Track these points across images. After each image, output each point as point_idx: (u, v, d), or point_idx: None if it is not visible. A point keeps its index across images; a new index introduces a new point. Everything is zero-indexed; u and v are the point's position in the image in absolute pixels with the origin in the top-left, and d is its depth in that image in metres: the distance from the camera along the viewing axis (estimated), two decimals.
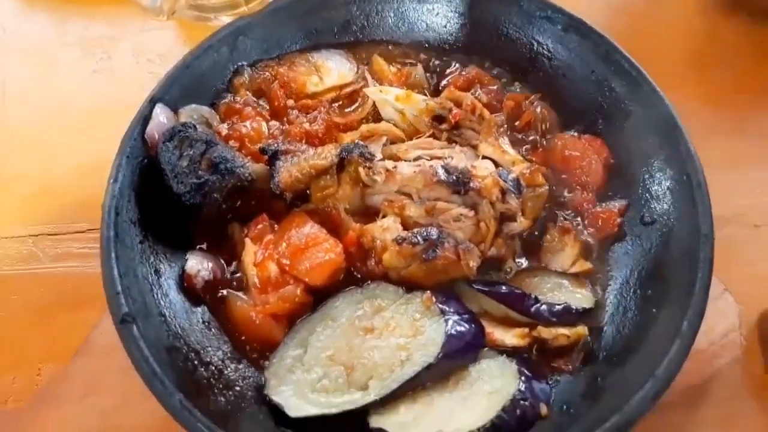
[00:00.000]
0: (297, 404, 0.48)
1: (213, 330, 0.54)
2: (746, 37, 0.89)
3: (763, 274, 0.70)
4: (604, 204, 0.60)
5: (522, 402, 0.48)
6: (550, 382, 0.51)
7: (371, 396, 0.48)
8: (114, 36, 0.88)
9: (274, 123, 0.64)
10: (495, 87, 0.66)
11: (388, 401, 0.48)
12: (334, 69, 0.68)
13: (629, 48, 0.82)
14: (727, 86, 0.85)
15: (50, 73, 0.86)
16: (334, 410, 0.48)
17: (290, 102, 0.65)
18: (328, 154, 0.56)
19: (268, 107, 0.65)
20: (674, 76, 0.85)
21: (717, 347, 0.61)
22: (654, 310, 0.51)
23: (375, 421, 0.47)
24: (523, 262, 0.58)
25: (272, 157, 0.56)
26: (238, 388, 0.51)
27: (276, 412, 0.49)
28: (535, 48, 0.66)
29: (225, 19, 0.86)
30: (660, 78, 0.83)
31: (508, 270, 0.57)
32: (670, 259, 0.53)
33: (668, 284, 0.52)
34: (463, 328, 0.50)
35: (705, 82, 0.86)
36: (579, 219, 0.60)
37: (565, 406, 0.49)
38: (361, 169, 0.55)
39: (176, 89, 0.62)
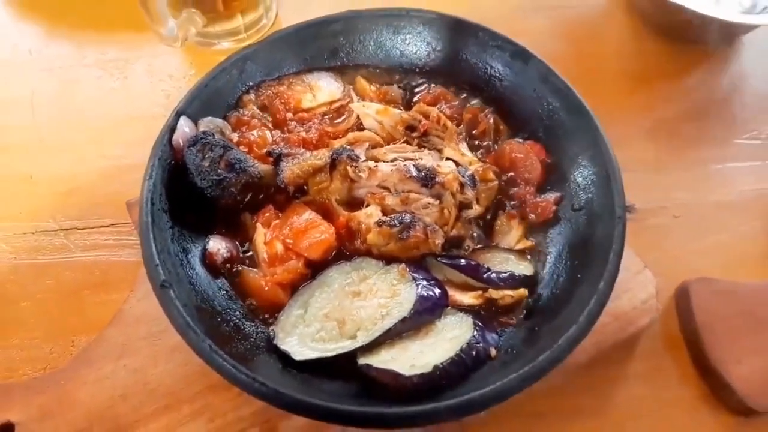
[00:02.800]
0: (300, 351, 0.60)
1: (231, 297, 0.66)
2: (668, 57, 1.02)
3: (679, 255, 0.83)
4: (542, 195, 0.73)
5: (476, 345, 0.60)
6: (498, 332, 0.64)
7: (359, 343, 0.60)
8: (129, 59, 0.99)
9: (276, 132, 0.75)
10: (456, 102, 0.78)
11: (372, 347, 0.60)
12: (324, 88, 0.79)
13: (570, 67, 0.95)
14: (653, 98, 0.98)
15: (73, 90, 0.96)
16: (329, 354, 0.60)
17: (289, 115, 0.76)
18: (322, 156, 0.68)
19: (271, 119, 0.77)
20: (609, 91, 0.98)
21: (638, 311, 0.73)
22: (579, 275, 0.64)
23: (362, 360, 0.59)
24: (480, 241, 0.71)
25: (277, 159, 0.69)
26: (253, 340, 0.62)
27: (283, 357, 0.61)
28: (488, 71, 0.79)
29: (226, 44, 0.98)
30: (596, 92, 0.96)
31: (467, 247, 0.70)
32: (593, 236, 0.66)
33: (590, 255, 0.64)
34: (430, 291, 0.62)
35: (635, 94, 0.99)
36: (523, 207, 0.72)
37: (510, 349, 0.61)
38: (349, 168, 0.68)
39: (196, 104, 0.73)
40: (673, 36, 1.03)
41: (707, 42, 1.03)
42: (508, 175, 0.74)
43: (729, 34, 1.04)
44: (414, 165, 0.68)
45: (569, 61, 1.01)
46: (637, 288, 0.75)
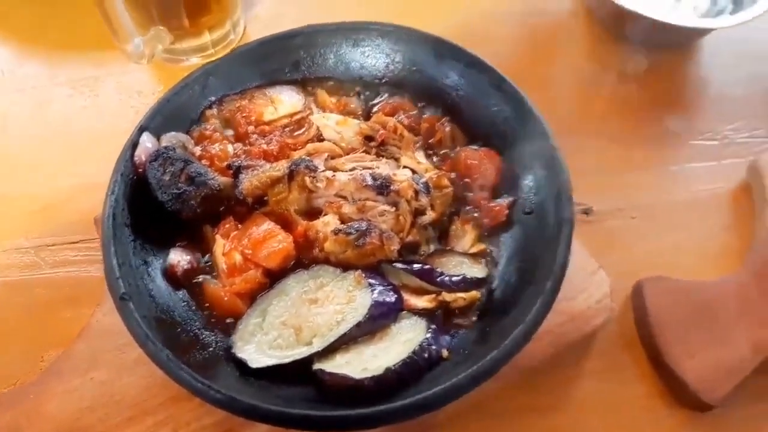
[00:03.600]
0: (257, 358, 0.62)
1: (192, 307, 0.67)
2: (627, 61, 1.03)
3: (636, 255, 0.85)
4: (496, 200, 0.75)
5: (428, 347, 0.62)
6: (452, 334, 0.66)
7: (314, 349, 0.62)
8: (99, 77, 1.01)
9: (238, 145, 0.77)
10: (414, 112, 0.81)
11: (328, 352, 0.62)
12: (286, 101, 0.81)
13: (531, 74, 0.98)
14: (611, 101, 1.00)
15: (45, 109, 0.98)
16: (286, 360, 0.61)
17: (251, 128, 0.78)
18: (280, 167, 0.70)
19: (233, 133, 0.79)
20: (569, 96, 1.01)
21: (593, 310, 0.75)
22: (528, 276, 0.66)
23: (316, 365, 0.61)
24: (436, 246, 0.73)
25: (236, 171, 0.71)
26: (212, 349, 0.64)
27: (242, 365, 0.62)
28: (445, 81, 0.81)
29: (195, 60, 1.00)
30: (556, 97, 1.00)
31: (422, 252, 0.72)
32: (542, 239, 0.68)
33: (539, 257, 0.66)
34: (385, 297, 0.64)
35: (594, 99, 1.01)
36: (477, 212, 0.74)
37: (462, 350, 0.63)
38: (306, 179, 0.70)
39: (159, 120, 0.75)
40: (632, 41, 1.04)
41: (665, 46, 1.06)
42: (464, 181, 0.76)
43: (686, 37, 1.07)
44: (370, 174, 0.71)
45: (531, 67, 1.03)
46: (592, 288, 0.77)
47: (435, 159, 0.79)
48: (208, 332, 0.66)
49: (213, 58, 0.98)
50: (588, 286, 0.77)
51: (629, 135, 0.98)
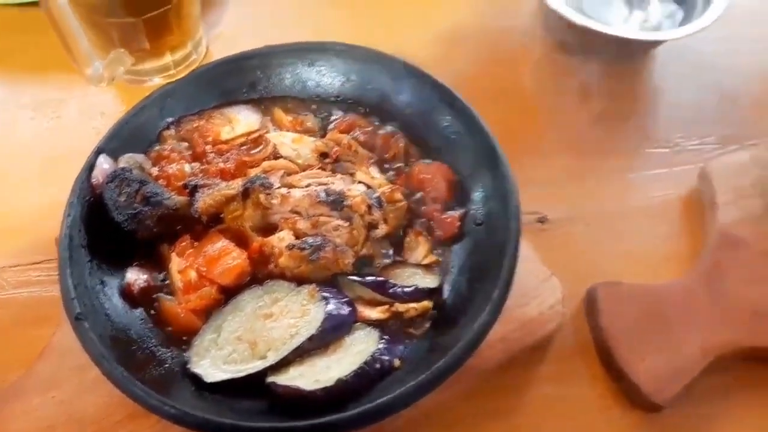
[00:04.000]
0: (212, 373, 0.63)
1: (148, 325, 0.69)
2: (581, 73, 1.05)
3: (590, 261, 0.87)
4: (448, 212, 0.77)
5: (380, 357, 0.63)
6: (404, 343, 0.67)
7: (269, 362, 0.63)
8: (62, 99, 1.03)
9: (195, 164, 0.78)
10: (370, 128, 0.82)
11: (282, 365, 0.63)
12: (243, 120, 0.83)
13: (486, 88, 1.00)
14: (567, 113, 1.03)
15: (9, 131, 0.99)
16: (240, 374, 0.63)
17: (208, 147, 0.80)
18: (235, 185, 0.72)
19: (190, 152, 0.80)
20: (525, 108, 1.03)
21: (545, 316, 0.76)
22: (477, 285, 0.68)
23: (270, 378, 0.62)
24: (391, 258, 0.75)
25: (192, 190, 0.72)
26: (168, 365, 0.65)
27: (197, 380, 0.64)
28: (399, 98, 0.84)
29: (158, 80, 1.01)
30: (513, 110, 1.03)
31: (378, 264, 0.74)
32: (491, 249, 0.70)
33: (488, 266, 0.68)
34: (339, 309, 0.66)
35: (550, 111, 1.04)
36: (430, 224, 0.76)
37: (415, 359, 0.65)
38: (261, 196, 0.71)
39: (116, 142, 0.77)
40: (586, 54, 1.07)
41: (618, 58, 1.09)
42: (418, 194, 0.78)
43: (637, 49, 1.10)
44: (324, 190, 0.73)
45: (488, 83, 1.06)
46: (544, 295, 0.79)
47: (390, 174, 0.80)
48: (164, 349, 0.67)
49: (176, 78, 1.00)
50: (541, 292, 0.79)
51: (584, 145, 1.01)
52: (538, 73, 1.09)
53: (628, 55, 1.10)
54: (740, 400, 0.78)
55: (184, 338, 0.68)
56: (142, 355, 0.65)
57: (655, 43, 1.07)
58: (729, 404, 0.78)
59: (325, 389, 0.60)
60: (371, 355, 0.64)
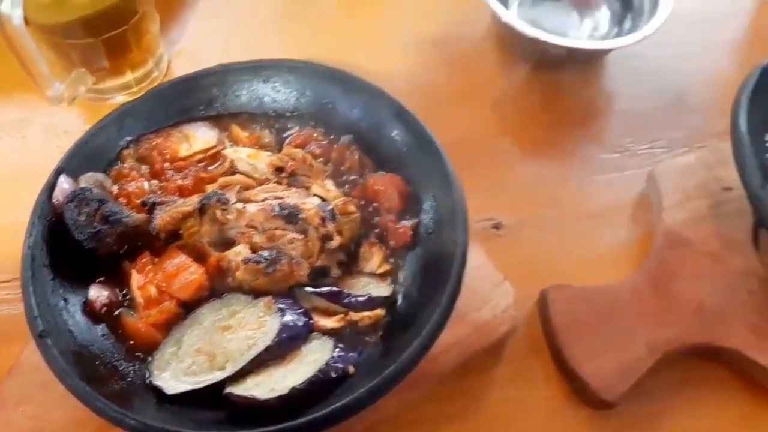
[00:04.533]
0: (173, 385, 0.66)
1: (111, 340, 0.71)
2: (536, 83, 1.10)
3: (544, 265, 0.90)
4: (401, 222, 0.80)
5: (334, 365, 0.66)
6: (359, 351, 0.70)
7: (227, 373, 0.65)
8: (27, 118, 1.04)
9: (154, 182, 0.80)
10: (325, 142, 0.85)
11: (239, 376, 0.66)
12: (200, 137, 0.85)
13: (442, 99, 1.05)
14: (521, 121, 1.07)
15: None
16: (199, 386, 0.65)
17: (167, 164, 0.82)
18: (192, 202, 0.74)
19: (149, 170, 0.82)
20: (480, 118, 1.06)
21: (498, 319, 0.79)
22: (428, 292, 0.71)
23: (227, 389, 0.65)
24: (346, 268, 0.77)
25: (150, 208, 0.74)
26: (130, 379, 0.67)
27: (159, 393, 0.66)
28: (352, 112, 0.86)
29: (120, 97, 1.03)
30: (469, 119, 1.06)
31: (334, 275, 0.76)
32: (441, 258, 0.72)
33: (438, 274, 0.71)
34: (295, 320, 0.69)
35: (504, 119, 1.07)
36: (384, 234, 0.79)
37: (368, 366, 0.68)
38: (217, 211, 0.74)
39: (76, 161, 0.79)
40: (540, 63, 1.11)
41: (570, 65, 1.13)
42: (372, 205, 0.81)
43: (588, 57, 1.14)
44: (279, 204, 0.75)
45: (444, 92, 1.09)
46: (497, 299, 0.82)
47: (345, 186, 0.83)
48: (127, 363, 0.70)
49: (139, 95, 1.02)
50: (494, 297, 0.83)
51: (539, 152, 1.05)
52: (494, 83, 1.12)
53: (580, 63, 1.14)
54: (688, 395, 0.82)
55: (146, 352, 0.70)
56: (105, 370, 0.67)
57: (604, 52, 1.11)
58: (677, 400, 0.82)
59: (280, 397, 0.63)
60: (325, 364, 0.66)
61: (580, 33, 1.17)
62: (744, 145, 0.84)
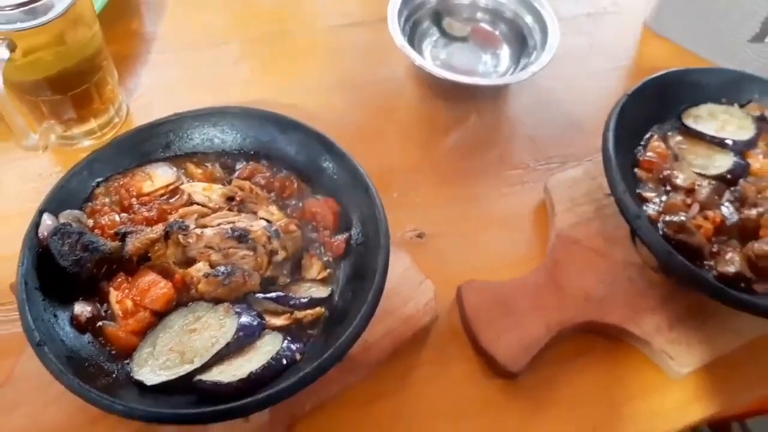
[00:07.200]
0: (151, 378, 0.79)
1: (96, 346, 0.83)
2: (448, 114, 1.28)
3: (460, 266, 1.05)
4: (336, 236, 0.95)
5: (284, 354, 0.80)
6: (304, 342, 0.84)
7: (195, 366, 0.79)
8: (2, 164, 1.16)
9: (124, 215, 0.93)
10: (268, 174, 1.00)
11: (206, 367, 0.79)
12: (161, 175, 0.98)
13: (367, 132, 1.21)
14: (438, 147, 1.24)
15: None
16: (173, 377, 0.79)
17: (133, 200, 0.95)
18: (157, 230, 0.88)
19: (119, 205, 0.95)
20: (401, 147, 1.22)
21: (421, 312, 0.95)
22: (359, 292, 0.85)
23: (196, 378, 0.79)
24: (291, 277, 0.92)
25: (123, 237, 0.88)
26: (114, 375, 0.80)
27: (140, 385, 0.79)
28: (290, 148, 1.01)
29: (87, 142, 1.16)
30: (391, 149, 1.23)
31: (281, 283, 0.91)
32: (369, 262, 0.87)
33: (366, 277, 0.86)
34: (250, 320, 0.83)
35: (424, 147, 1.24)
36: (322, 247, 0.95)
37: (312, 353, 0.81)
38: (180, 236, 0.88)
39: (55, 202, 0.91)
40: (452, 98, 1.30)
41: (479, 97, 1.32)
42: (311, 224, 0.97)
43: (492, 91, 1.33)
44: (231, 227, 0.90)
45: (369, 127, 1.26)
46: (419, 296, 0.98)
47: (287, 210, 0.98)
48: (111, 364, 0.82)
49: (103, 139, 1.17)
50: (417, 294, 0.99)
51: (454, 173, 1.21)
52: (412, 117, 1.30)
53: (488, 95, 1.33)
54: (578, 363, 1.00)
55: (126, 354, 0.83)
56: (93, 370, 0.80)
57: (504, 86, 1.30)
58: (570, 367, 0.99)
59: (240, 381, 0.77)
60: (277, 353, 0.81)
61: (487, 69, 1.36)
62: (611, 159, 1.03)
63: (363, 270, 0.90)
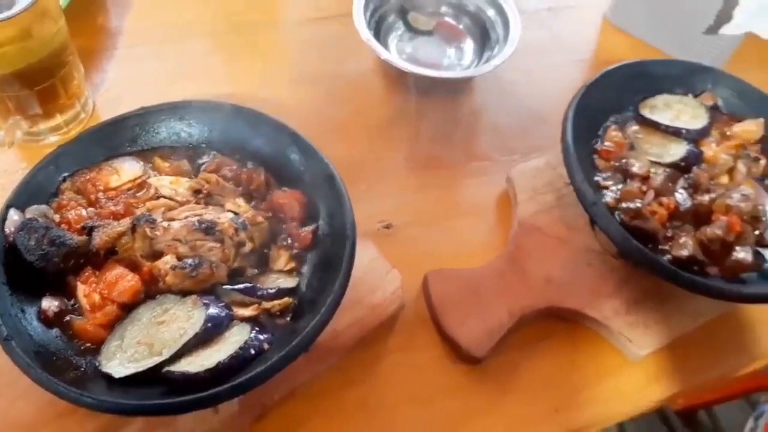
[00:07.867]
0: (120, 370, 0.79)
1: (64, 340, 0.84)
2: (415, 106, 1.30)
3: (426, 255, 1.07)
4: (303, 228, 0.96)
5: (252, 343, 0.81)
6: (272, 332, 0.86)
7: (164, 357, 0.80)
8: None
9: (91, 209, 0.93)
10: (235, 167, 1.01)
11: (175, 358, 0.80)
12: (127, 169, 0.99)
13: (334, 124, 1.23)
14: (404, 139, 1.27)
15: None
16: (141, 369, 0.79)
17: (100, 194, 0.95)
18: (125, 223, 0.89)
19: (85, 200, 0.95)
20: (369, 138, 1.24)
21: (388, 301, 0.97)
22: (326, 282, 0.87)
23: (165, 369, 0.80)
24: (259, 268, 0.94)
25: (89, 231, 0.88)
26: (83, 369, 0.81)
27: (108, 378, 0.80)
28: (256, 140, 1.03)
29: (53, 138, 1.15)
30: (360, 141, 1.25)
31: (249, 274, 0.92)
32: (335, 253, 0.89)
33: (333, 267, 0.88)
34: (218, 312, 0.85)
35: (390, 138, 1.26)
36: (289, 238, 0.96)
37: (281, 343, 0.83)
38: (147, 230, 0.89)
39: (22, 197, 0.91)
40: (418, 91, 1.32)
41: (443, 91, 1.34)
42: (278, 216, 0.98)
43: (456, 84, 1.36)
44: (198, 219, 0.91)
45: (336, 120, 1.28)
46: (386, 285, 1.01)
47: (255, 202, 1.00)
48: (79, 357, 0.83)
49: (69, 134, 1.16)
50: (384, 283, 1.01)
51: (420, 164, 1.24)
52: (379, 110, 1.32)
53: (452, 89, 1.35)
54: (540, 347, 1.03)
55: (95, 348, 0.84)
56: (62, 363, 0.81)
57: (468, 79, 1.33)
58: (532, 351, 1.02)
59: (208, 371, 0.79)
60: (245, 343, 0.82)
61: (451, 63, 1.39)
62: (570, 149, 1.07)
63: (330, 261, 0.92)
